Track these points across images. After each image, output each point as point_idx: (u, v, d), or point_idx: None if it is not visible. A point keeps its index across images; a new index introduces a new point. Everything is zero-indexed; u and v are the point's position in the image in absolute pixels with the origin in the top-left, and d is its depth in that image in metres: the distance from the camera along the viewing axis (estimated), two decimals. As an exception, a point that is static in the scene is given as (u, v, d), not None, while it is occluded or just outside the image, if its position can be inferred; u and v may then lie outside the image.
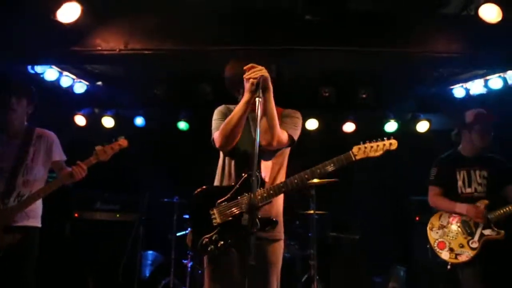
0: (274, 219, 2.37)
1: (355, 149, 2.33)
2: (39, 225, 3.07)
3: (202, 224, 2.35)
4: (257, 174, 2.34)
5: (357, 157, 2.31)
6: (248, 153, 2.43)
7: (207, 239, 2.31)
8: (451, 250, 3.25)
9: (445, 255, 3.26)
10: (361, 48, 3.81)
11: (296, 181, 2.32)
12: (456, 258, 3.21)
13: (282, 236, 2.51)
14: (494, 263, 3.16)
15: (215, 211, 2.35)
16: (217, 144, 2.46)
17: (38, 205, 3.08)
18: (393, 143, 2.32)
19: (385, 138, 2.33)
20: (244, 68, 2.30)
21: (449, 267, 3.28)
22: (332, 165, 2.32)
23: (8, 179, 2.94)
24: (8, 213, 2.85)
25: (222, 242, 2.29)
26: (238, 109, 2.35)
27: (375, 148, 2.31)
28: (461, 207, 3.32)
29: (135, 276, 4.99)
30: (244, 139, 2.44)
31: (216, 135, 2.47)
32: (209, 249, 2.29)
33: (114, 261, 5.21)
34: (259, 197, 2.29)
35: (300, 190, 3.73)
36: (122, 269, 5.15)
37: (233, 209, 2.33)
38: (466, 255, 3.18)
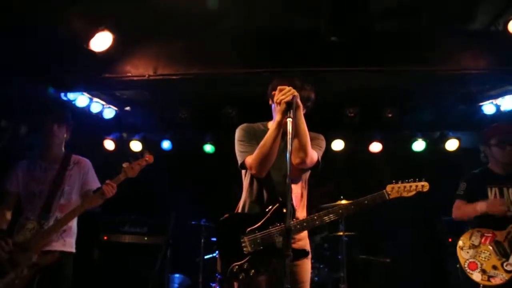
0: (306, 250, 2.37)
1: (388, 188, 2.40)
2: (74, 250, 3.14)
3: (231, 250, 2.35)
4: (290, 204, 2.34)
5: (391, 196, 2.39)
6: (279, 176, 2.42)
7: (237, 267, 2.30)
8: (483, 271, 3.11)
9: (476, 276, 3.12)
10: (386, 68, 3.80)
11: (331, 215, 2.34)
12: (489, 280, 3.07)
13: (309, 248, 2.50)
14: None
15: (245, 239, 2.33)
16: (253, 171, 2.41)
17: (74, 230, 3.16)
18: (425, 185, 2.42)
19: (417, 179, 2.43)
20: (272, 92, 2.35)
21: None
22: (366, 202, 2.36)
23: (45, 202, 3.04)
24: (46, 234, 2.93)
25: (253, 271, 2.28)
26: (271, 132, 2.34)
27: (408, 189, 2.40)
28: (481, 205, 3.25)
29: (163, 299, 4.98)
30: (275, 162, 2.41)
31: (249, 160, 2.42)
32: (240, 277, 2.29)
33: (142, 284, 5.22)
34: (293, 228, 2.26)
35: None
36: (150, 292, 5.15)
37: (265, 238, 2.31)
38: (500, 278, 3.05)
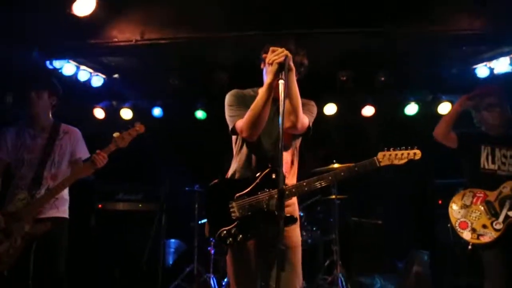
0: (294, 217, 2.36)
1: (380, 155, 2.37)
2: (67, 216, 3.14)
3: (219, 216, 2.35)
4: (280, 170, 2.32)
5: (382, 164, 2.36)
6: (269, 142, 2.41)
7: (225, 232, 2.31)
8: (473, 230, 3.17)
9: (466, 235, 3.19)
10: (380, 29, 3.71)
11: (321, 181, 2.33)
12: (478, 238, 3.14)
13: (297, 214, 2.51)
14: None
15: (234, 204, 2.34)
16: (244, 134, 2.37)
17: (66, 197, 3.15)
18: (417, 153, 2.39)
19: (409, 147, 2.40)
20: (264, 55, 2.29)
21: (470, 247, 3.22)
22: (356, 169, 2.34)
23: (36, 171, 3.01)
24: (38, 204, 2.92)
25: (241, 236, 2.30)
26: (262, 93, 2.30)
27: (399, 156, 2.37)
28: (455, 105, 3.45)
29: (159, 264, 5.08)
30: (265, 127, 2.38)
31: (240, 124, 2.38)
32: (228, 242, 2.31)
33: (138, 250, 5.31)
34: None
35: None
36: (146, 257, 5.25)
37: (253, 204, 2.31)
38: (489, 236, 3.11)
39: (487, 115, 3.37)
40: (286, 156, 2.46)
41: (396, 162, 2.36)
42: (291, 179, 2.49)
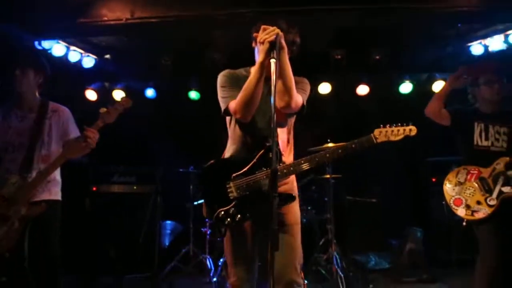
0: (292, 195, 2.36)
1: (376, 132, 2.36)
2: (60, 198, 3.12)
3: (217, 196, 2.34)
4: (277, 149, 2.30)
5: (378, 140, 2.35)
6: (263, 121, 2.39)
7: (223, 213, 2.31)
8: (467, 207, 3.19)
9: (461, 211, 3.20)
10: (375, 6, 3.65)
11: (317, 159, 2.32)
12: (472, 215, 3.16)
13: (296, 192, 2.51)
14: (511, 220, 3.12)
15: (231, 184, 2.33)
16: (238, 115, 2.34)
17: (58, 179, 3.12)
18: (413, 129, 2.39)
19: (404, 124, 2.39)
20: (255, 34, 2.26)
21: (464, 223, 3.25)
22: (353, 146, 2.33)
23: (26, 155, 2.95)
24: (31, 187, 2.89)
25: (239, 216, 2.29)
26: (254, 73, 2.27)
27: (395, 133, 2.37)
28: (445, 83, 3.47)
29: (155, 245, 5.11)
30: (259, 106, 2.35)
31: (233, 104, 2.36)
32: (226, 222, 2.30)
33: (134, 232, 5.33)
34: (279, 173, 2.27)
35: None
36: (143, 239, 5.28)
37: (250, 183, 2.31)
38: (483, 212, 3.13)
39: (486, 90, 3.35)
40: (282, 135, 2.44)
41: (392, 138, 2.36)
42: (288, 157, 2.48)
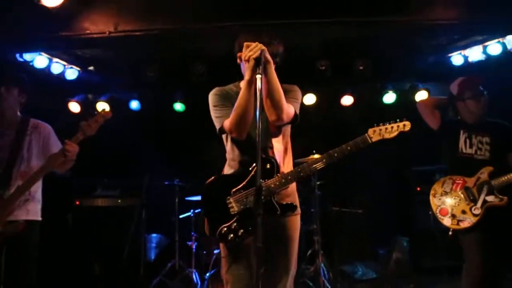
0: (294, 204, 2.35)
1: (370, 131, 2.35)
2: (39, 218, 3.05)
3: (218, 213, 2.33)
4: (273, 160, 2.33)
5: (373, 139, 2.34)
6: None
7: (225, 229, 2.30)
8: (453, 216, 3.24)
9: (447, 221, 3.25)
10: (358, 19, 3.70)
11: (314, 165, 2.31)
12: (458, 224, 3.20)
13: (299, 210, 2.49)
14: (496, 229, 3.16)
15: (231, 199, 2.32)
16: (233, 134, 2.37)
17: (38, 198, 3.05)
18: (407, 124, 2.36)
19: (398, 120, 2.36)
20: (238, 54, 2.27)
21: (450, 233, 3.28)
22: (349, 148, 2.32)
23: (4, 170, 2.90)
24: (8, 203, 2.82)
25: (242, 231, 2.28)
26: (243, 92, 2.27)
27: (389, 130, 2.34)
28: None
29: (141, 259, 5.02)
30: (252, 121, 2.34)
31: (227, 123, 2.36)
32: (229, 238, 2.28)
33: (118, 246, 5.23)
34: (277, 183, 2.29)
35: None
36: (127, 253, 5.18)
37: (250, 197, 2.30)
38: (468, 221, 3.18)
39: (472, 104, 3.40)
40: (277, 145, 2.45)
41: (387, 136, 2.33)
42: (287, 166, 2.47)
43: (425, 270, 5.22)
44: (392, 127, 2.34)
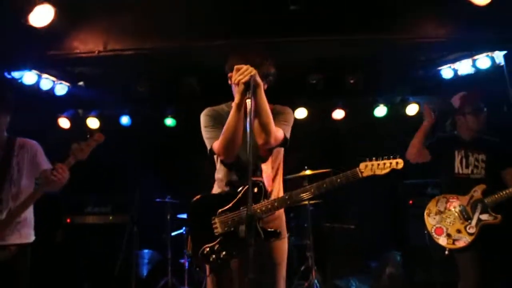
0: (278, 231, 2.32)
1: (362, 166, 2.31)
2: (31, 240, 2.99)
3: (202, 232, 2.31)
4: (261, 184, 2.31)
5: (364, 174, 2.30)
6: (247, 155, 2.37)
7: (208, 249, 2.27)
8: (448, 235, 3.24)
9: (442, 240, 3.25)
10: (348, 37, 3.72)
11: (302, 194, 2.30)
12: (453, 243, 3.21)
13: (285, 233, 2.47)
14: (491, 247, 3.17)
15: (216, 220, 2.30)
16: (221, 157, 2.38)
17: (30, 220, 2.99)
18: (400, 163, 2.33)
19: (391, 157, 2.33)
20: (229, 75, 2.27)
21: (447, 252, 3.28)
22: (338, 180, 2.29)
23: None
24: (1, 227, 2.76)
25: (224, 253, 2.25)
26: (232, 115, 2.26)
27: (381, 166, 2.31)
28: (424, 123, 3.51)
29: (132, 277, 4.94)
30: (242, 144, 2.34)
31: (216, 146, 2.36)
32: (211, 259, 2.25)
33: (109, 263, 5.15)
34: (263, 208, 2.26)
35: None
36: (119, 270, 5.10)
37: (235, 219, 2.27)
38: (463, 241, 3.18)
39: (471, 119, 3.42)
40: (267, 169, 2.42)
41: (378, 172, 2.30)
42: (276, 192, 2.45)
43: (418, 284, 5.20)
44: (384, 164, 2.30)
